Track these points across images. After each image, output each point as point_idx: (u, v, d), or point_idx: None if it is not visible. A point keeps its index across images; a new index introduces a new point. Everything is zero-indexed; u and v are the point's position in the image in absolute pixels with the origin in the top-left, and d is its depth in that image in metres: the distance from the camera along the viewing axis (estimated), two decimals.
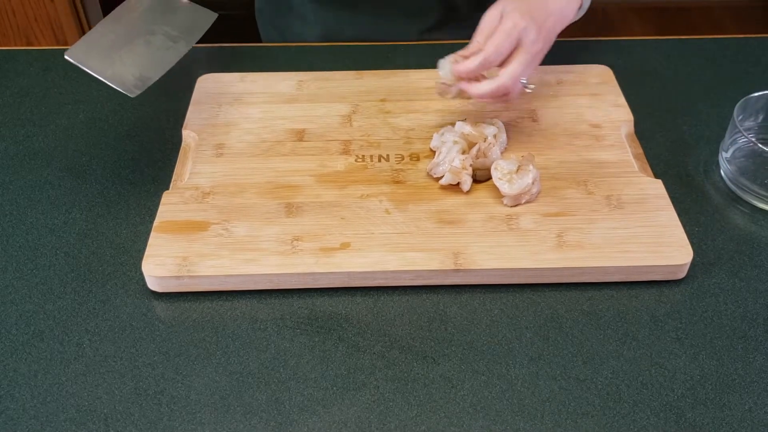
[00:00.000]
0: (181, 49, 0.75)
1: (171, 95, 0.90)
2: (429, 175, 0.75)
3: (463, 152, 0.75)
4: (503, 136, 0.78)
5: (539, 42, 0.73)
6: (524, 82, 0.75)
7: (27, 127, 0.86)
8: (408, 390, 0.60)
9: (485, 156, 0.74)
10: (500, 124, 0.79)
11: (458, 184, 0.73)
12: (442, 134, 0.78)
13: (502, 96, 0.75)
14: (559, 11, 0.76)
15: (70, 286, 0.68)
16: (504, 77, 0.72)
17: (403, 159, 0.77)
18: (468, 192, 0.73)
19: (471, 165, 0.73)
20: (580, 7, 0.80)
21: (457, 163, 0.72)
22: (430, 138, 0.79)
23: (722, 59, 0.95)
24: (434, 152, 0.77)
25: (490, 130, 0.77)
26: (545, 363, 0.62)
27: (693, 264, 0.68)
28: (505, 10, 0.73)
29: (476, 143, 0.76)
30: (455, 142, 0.76)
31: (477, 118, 0.82)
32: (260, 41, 1.15)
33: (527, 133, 0.81)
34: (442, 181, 0.73)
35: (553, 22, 0.75)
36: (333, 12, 1.02)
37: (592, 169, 0.76)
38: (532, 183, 0.71)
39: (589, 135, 0.80)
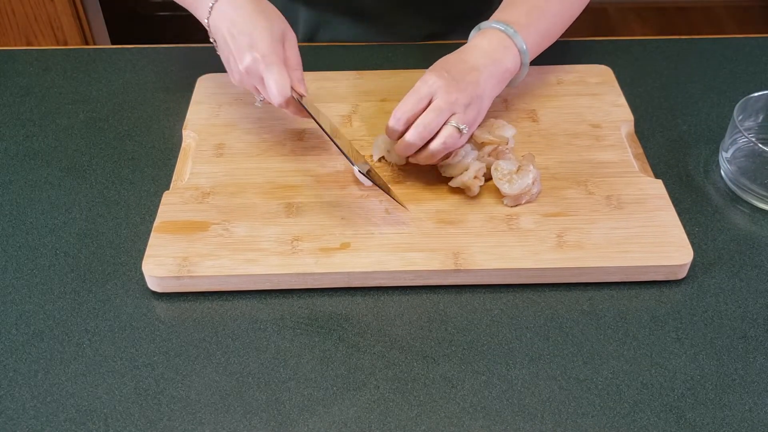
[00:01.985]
0: None
1: (171, 95, 0.90)
2: (437, 172, 0.75)
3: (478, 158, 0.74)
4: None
5: (453, 93, 0.71)
6: (461, 126, 0.71)
7: (27, 127, 0.86)
8: (408, 390, 0.60)
9: (497, 158, 0.74)
10: (503, 123, 0.79)
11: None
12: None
13: (433, 145, 0.72)
14: (484, 65, 0.74)
15: (70, 286, 0.68)
16: (415, 123, 0.71)
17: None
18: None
19: (484, 174, 0.72)
20: (521, 64, 0.77)
21: (472, 173, 0.71)
22: None
23: (722, 59, 0.95)
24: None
25: (509, 132, 0.77)
26: (545, 363, 0.62)
27: (693, 264, 0.68)
28: (424, 76, 0.73)
29: (486, 145, 0.75)
30: (473, 148, 0.75)
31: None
32: None
33: (527, 133, 0.81)
34: (452, 183, 0.73)
35: (476, 76, 0.73)
36: (344, 26, 1.02)
37: (592, 169, 0.76)
38: (533, 183, 0.71)
39: (589, 135, 0.80)
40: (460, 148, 0.74)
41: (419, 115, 0.71)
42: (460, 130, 0.71)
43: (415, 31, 1.02)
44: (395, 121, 0.72)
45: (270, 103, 0.74)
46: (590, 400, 0.59)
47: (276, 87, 0.70)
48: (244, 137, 0.81)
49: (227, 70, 0.76)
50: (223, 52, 0.75)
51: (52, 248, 0.71)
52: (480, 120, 0.75)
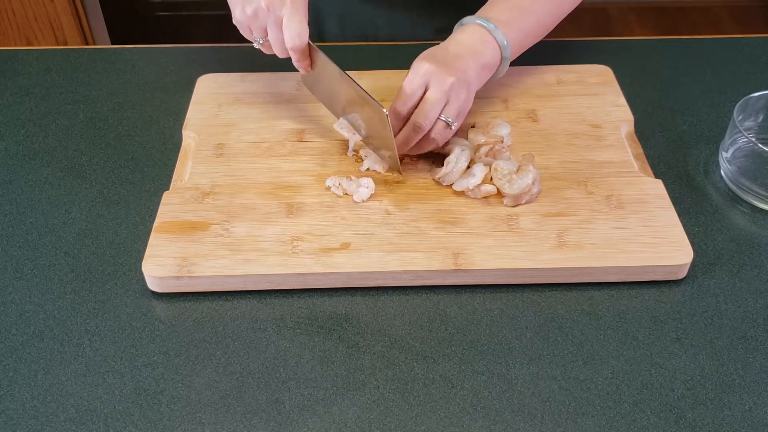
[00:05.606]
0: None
1: (171, 95, 0.90)
2: (436, 182, 0.74)
3: (471, 161, 0.74)
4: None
5: (447, 78, 0.71)
6: (449, 120, 0.72)
7: (27, 127, 0.86)
8: (408, 390, 0.60)
9: (495, 158, 0.74)
10: (499, 121, 0.79)
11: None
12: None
13: (423, 138, 0.73)
14: (467, 55, 0.75)
15: (70, 286, 0.68)
16: (414, 115, 0.72)
17: (403, 159, 0.77)
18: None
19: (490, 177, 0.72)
20: (502, 59, 0.78)
21: (479, 178, 0.71)
22: None
23: (722, 59, 0.95)
24: (433, 152, 0.77)
25: (503, 130, 0.77)
26: (545, 363, 0.62)
27: (693, 264, 0.68)
28: (412, 65, 0.73)
29: (482, 146, 0.75)
30: (462, 150, 0.74)
31: (479, 121, 0.82)
32: None
33: (527, 133, 0.81)
34: (456, 187, 0.73)
35: (463, 64, 0.74)
36: (354, 7, 1.02)
37: (592, 169, 0.76)
38: (532, 183, 0.71)
39: (589, 135, 0.80)
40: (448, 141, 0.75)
41: (417, 106, 0.72)
42: (448, 125, 0.72)
43: (427, 20, 1.01)
44: (394, 115, 0.72)
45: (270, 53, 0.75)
46: (590, 400, 0.59)
47: (294, 31, 0.70)
48: (244, 137, 0.81)
49: (230, 4, 0.74)
50: None
51: (52, 248, 0.71)
52: (469, 107, 0.76)
